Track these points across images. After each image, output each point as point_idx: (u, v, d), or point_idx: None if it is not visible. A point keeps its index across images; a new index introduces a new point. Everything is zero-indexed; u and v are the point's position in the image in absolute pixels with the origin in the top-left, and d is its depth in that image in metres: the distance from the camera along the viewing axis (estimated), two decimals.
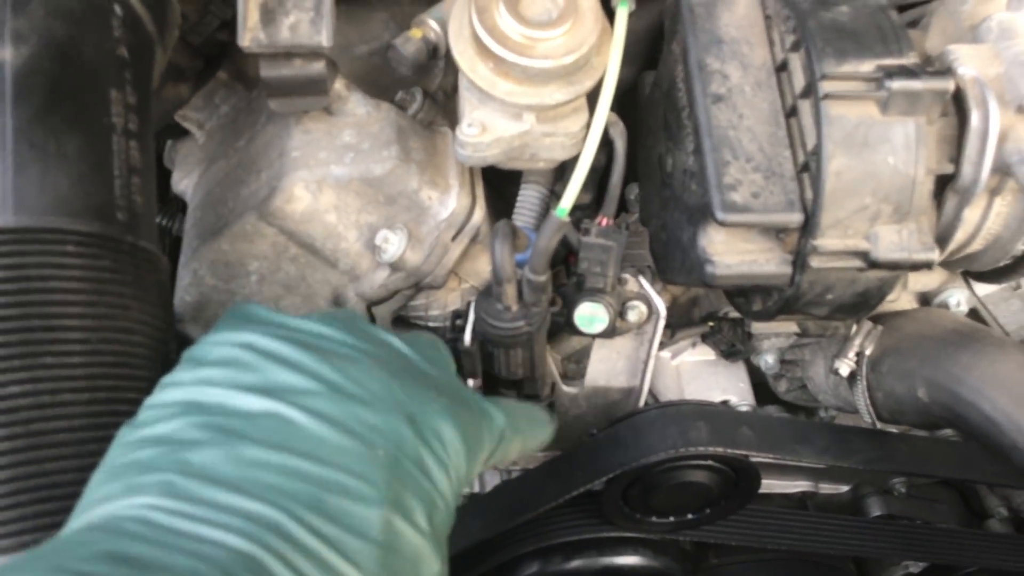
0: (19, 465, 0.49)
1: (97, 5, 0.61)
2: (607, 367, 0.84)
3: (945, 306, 0.85)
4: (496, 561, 0.93)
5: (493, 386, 0.81)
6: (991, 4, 0.71)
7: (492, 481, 0.96)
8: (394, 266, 0.76)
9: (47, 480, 0.50)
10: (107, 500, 0.42)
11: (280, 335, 0.50)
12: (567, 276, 0.80)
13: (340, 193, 0.74)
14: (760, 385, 0.98)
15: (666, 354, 0.95)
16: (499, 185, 0.89)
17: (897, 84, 0.62)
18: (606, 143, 0.74)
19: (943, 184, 0.68)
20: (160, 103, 0.84)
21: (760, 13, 0.72)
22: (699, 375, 0.94)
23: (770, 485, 1.02)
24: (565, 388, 0.85)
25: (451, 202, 0.77)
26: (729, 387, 0.93)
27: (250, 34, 0.67)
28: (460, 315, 0.78)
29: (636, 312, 0.77)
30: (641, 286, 0.78)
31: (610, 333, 0.77)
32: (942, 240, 0.70)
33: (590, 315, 0.75)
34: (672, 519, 0.89)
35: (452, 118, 0.83)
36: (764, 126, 0.68)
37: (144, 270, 0.59)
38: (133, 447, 0.45)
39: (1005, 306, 0.87)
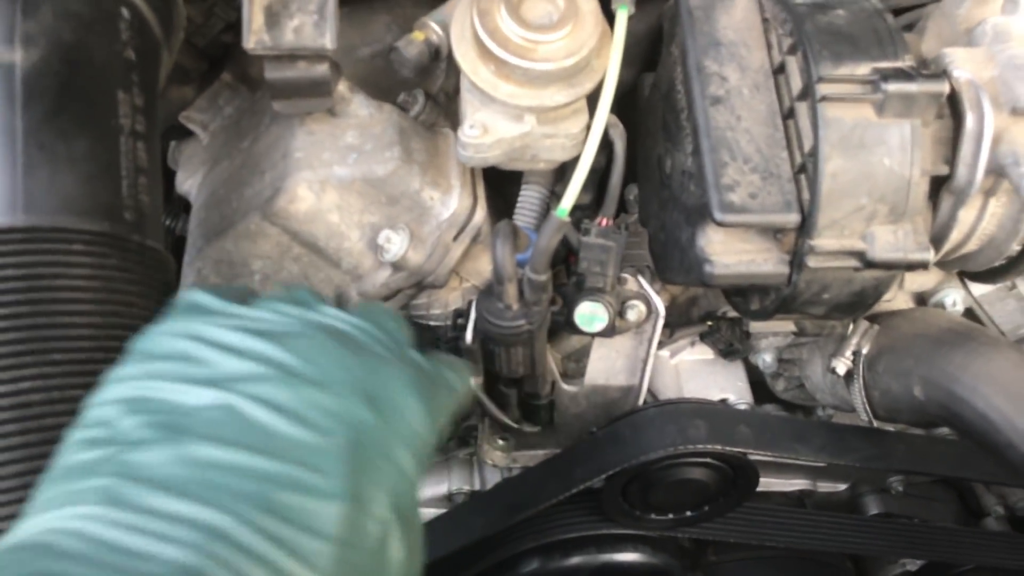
0: (32, 459, 0.50)
1: (105, 9, 0.62)
2: (607, 366, 0.84)
3: (941, 306, 0.86)
4: (497, 558, 0.94)
5: (494, 384, 0.82)
6: (986, 8, 0.72)
7: (493, 479, 0.96)
8: (396, 265, 0.77)
9: None
10: (46, 509, 0.39)
11: (231, 323, 0.47)
12: (567, 276, 0.81)
13: (343, 193, 0.75)
14: (758, 384, 0.99)
15: (665, 353, 0.95)
16: (500, 186, 0.90)
17: (893, 87, 0.63)
18: (606, 144, 0.75)
19: (938, 185, 0.69)
20: (165, 104, 0.85)
21: (758, 16, 0.73)
22: (698, 374, 0.95)
23: (768, 483, 1.03)
24: (565, 386, 0.86)
25: (453, 202, 0.78)
26: (727, 386, 0.94)
27: (255, 36, 0.68)
28: (462, 314, 0.79)
29: (635, 311, 0.78)
30: (640, 286, 0.79)
31: (610, 332, 0.78)
32: (937, 240, 0.71)
33: (590, 314, 0.76)
34: (671, 516, 0.90)
35: (453, 120, 0.84)
36: (762, 128, 0.69)
37: (151, 268, 0.60)
38: (76, 448, 0.42)
39: (1000, 306, 0.87)
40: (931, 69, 0.69)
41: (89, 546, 0.36)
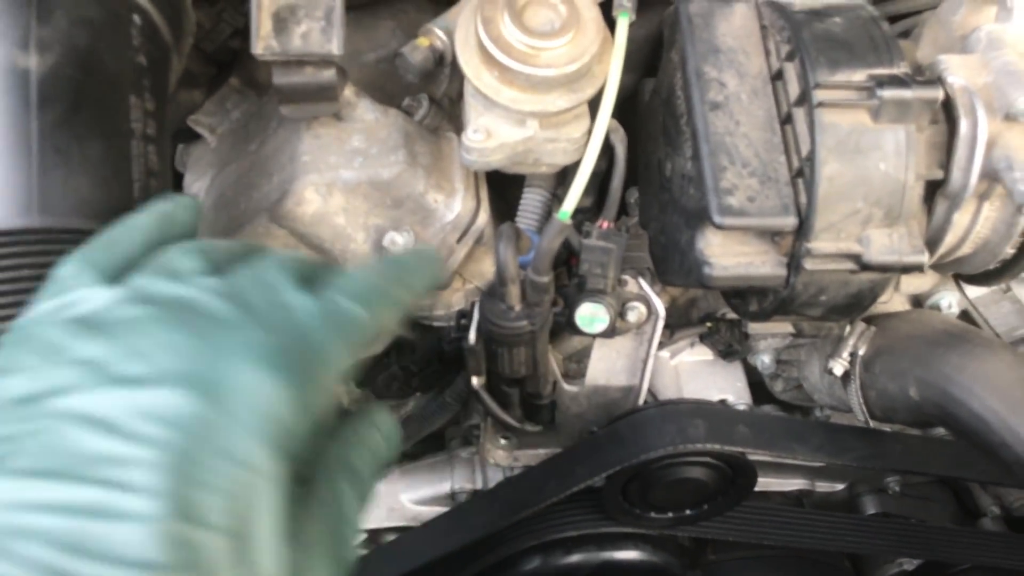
0: None
1: (117, 15, 0.63)
2: (607, 366, 0.86)
3: (937, 308, 0.87)
4: (498, 556, 0.95)
5: (496, 384, 0.83)
6: (980, 16, 0.73)
7: (495, 478, 0.98)
8: None
9: None
10: None
11: (61, 316, 0.40)
12: (568, 277, 0.82)
13: (349, 196, 0.76)
14: (757, 385, 1.00)
15: (665, 354, 0.97)
16: (503, 189, 0.91)
17: (888, 93, 0.64)
18: (607, 148, 0.76)
19: (933, 189, 0.70)
20: (174, 108, 0.86)
21: (756, 23, 0.74)
22: (697, 374, 0.96)
23: (767, 483, 1.04)
24: (566, 387, 0.87)
25: (456, 205, 0.79)
26: (726, 386, 0.95)
27: (263, 42, 0.69)
28: (465, 315, 0.80)
29: (636, 313, 0.79)
30: (641, 287, 0.80)
31: (610, 333, 0.79)
32: (932, 243, 0.73)
33: (591, 315, 0.77)
34: (671, 515, 0.91)
35: (457, 124, 0.85)
36: (760, 133, 0.70)
37: None
38: None
39: (995, 308, 0.89)
40: (926, 76, 0.70)
41: None
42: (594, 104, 0.73)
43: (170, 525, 0.34)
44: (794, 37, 0.69)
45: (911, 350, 0.79)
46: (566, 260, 0.85)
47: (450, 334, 0.85)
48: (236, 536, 0.36)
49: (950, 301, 0.87)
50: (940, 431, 0.97)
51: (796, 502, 1.08)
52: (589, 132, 0.74)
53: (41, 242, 0.55)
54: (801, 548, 1.01)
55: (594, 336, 0.80)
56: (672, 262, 0.79)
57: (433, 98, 0.86)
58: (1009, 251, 0.74)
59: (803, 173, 0.67)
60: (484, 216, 0.81)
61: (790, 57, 0.70)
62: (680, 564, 0.99)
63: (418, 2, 0.92)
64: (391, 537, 1.02)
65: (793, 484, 1.06)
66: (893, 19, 0.83)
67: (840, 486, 1.09)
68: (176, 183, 0.92)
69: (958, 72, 0.68)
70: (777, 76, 0.71)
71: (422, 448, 1.05)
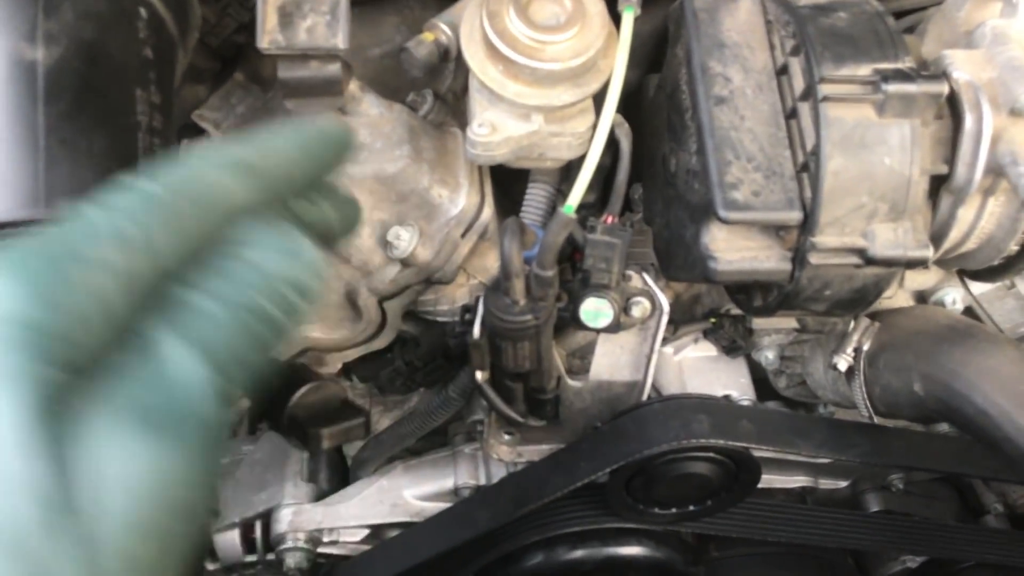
0: None
1: (123, 8, 0.63)
2: (611, 361, 0.86)
3: (941, 304, 0.87)
4: (502, 551, 0.95)
5: (500, 379, 0.83)
6: (985, 11, 0.73)
7: (499, 473, 0.98)
8: (405, 262, 0.79)
9: None
10: None
11: None
12: (573, 273, 0.82)
13: (354, 190, 0.76)
14: (761, 381, 1.00)
15: (669, 349, 0.97)
16: (507, 184, 0.91)
17: (893, 87, 0.64)
18: (612, 143, 0.76)
19: (938, 184, 0.70)
20: (178, 103, 0.86)
21: (761, 18, 0.74)
22: (701, 370, 0.96)
23: (770, 480, 1.04)
24: (570, 382, 0.87)
25: (461, 200, 0.79)
26: (730, 382, 0.95)
27: (268, 36, 0.69)
28: (469, 309, 0.80)
29: (640, 308, 0.79)
30: (645, 282, 0.80)
31: (614, 328, 0.79)
32: (937, 239, 0.73)
33: (595, 310, 0.77)
34: (674, 510, 0.91)
35: (462, 119, 0.86)
36: (765, 127, 0.70)
37: None
38: None
39: (1000, 304, 0.89)
40: (931, 70, 0.70)
41: None
42: (599, 99, 0.73)
43: None
44: (799, 32, 0.69)
45: (915, 345, 0.79)
46: (570, 255, 0.85)
47: (454, 329, 0.85)
48: None
49: (954, 297, 0.86)
50: (944, 427, 0.97)
51: (799, 499, 1.08)
52: (594, 127, 0.74)
53: None
54: (804, 545, 1.01)
55: (598, 331, 0.80)
56: (676, 257, 0.79)
57: (438, 93, 0.86)
58: (1013, 247, 0.74)
59: (808, 168, 0.67)
60: (488, 211, 0.81)
61: (795, 52, 0.70)
62: (683, 560, 0.99)
63: None
64: (394, 533, 1.02)
65: (796, 481, 1.06)
66: (898, 14, 0.84)
67: (843, 483, 1.09)
68: None
69: (963, 67, 0.68)
70: (782, 71, 0.71)
71: (426, 444, 1.05)
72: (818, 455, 0.86)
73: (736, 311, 0.91)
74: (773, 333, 0.92)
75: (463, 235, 0.80)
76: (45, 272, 0.32)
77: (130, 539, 0.30)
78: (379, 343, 0.88)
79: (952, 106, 0.68)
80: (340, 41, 0.70)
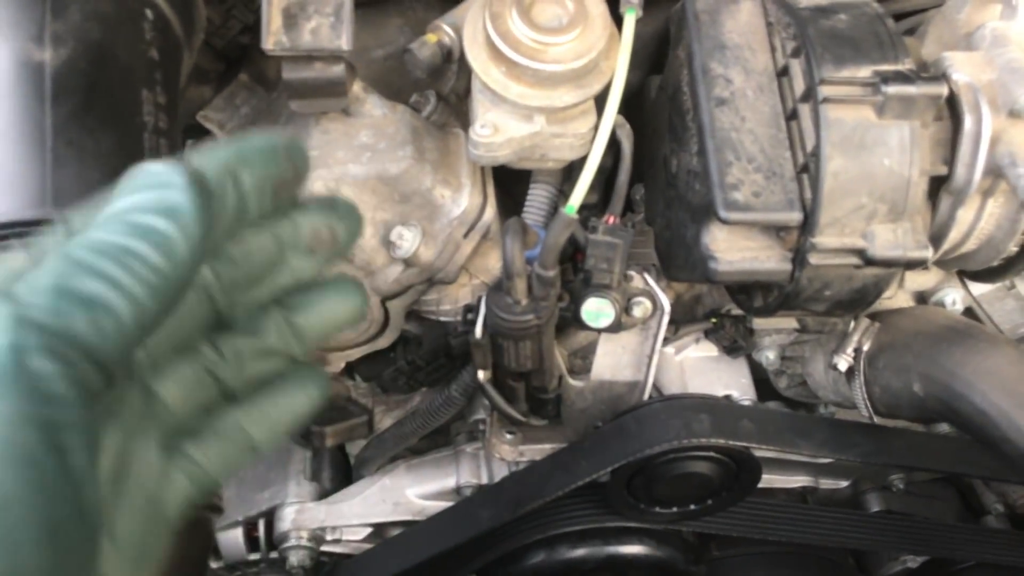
0: None
1: (130, 9, 0.64)
2: (612, 361, 0.86)
3: (941, 305, 0.87)
4: (503, 550, 0.95)
5: (502, 378, 0.84)
6: (985, 13, 0.74)
7: (500, 472, 0.98)
8: (408, 262, 0.79)
9: None
10: None
11: None
12: (574, 273, 0.83)
13: (357, 191, 0.77)
14: (762, 382, 1.01)
15: (670, 349, 0.97)
16: (509, 184, 0.92)
17: (893, 89, 0.64)
18: (613, 144, 0.77)
19: (938, 185, 0.71)
20: (184, 104, 0.87)
21: (762, 20, 0.75)
22: (702, 370, 0.96)
23: (771, 480, 1.04)
24: (572, 381, 0.88)
25: (463, 200, 0.80)
26: (731, 382, 0.95)
27: (273, 37, 0.70)
28: (471, 309, 0.81)
29: (641, 308, 0.80)
30: (646, 283, 0.81)
31: (616, 328, 0.79)
32: (936, 239, 0.73)
33: (596, 310, 0.78)
34: (675, 509, 0.91)
35: (464, 120, 0.86)
36: (765, 128, 0.71)
37: None
38: None
39: (999, 305, 0.89)
40: (931, 72, 0.71)
41: None
42: (601, 100, 0.74)
43: None
44: (800, 34, 0.69)
45: (915, 346, 0.79)
46: (572, 255, 0.85)
47: (456, 328, 0.86)
48: None
49: (954, 298, 0.87)
50: (944, 427, 0.97)
51: (801, 499, 1.08)
52: (595, 128, 0.75)
53: None
54: (805, 544, 1.01)
55: (599, 331, 0.81)
56: (677, 257, 0.79)
57: (441, 94, 0.87)
58: (1013, 248, 0.74)
59: (808, 168, 0.68)
60: (491, 211, 0.82)
61: (795, 53, 0.70)
62: (684, 559, 0.99)
63: None
64: (397, 531, 1.03)
65: (797, 481, 1.06)
66: (899, 16, 0.84)
67: (844, 483, 1.09)
68: None
69: (962, 69, 0.69)
70: (783, 72, 0.72)
71: (428, 443, 1.06)
72: (818, 455, 0.87)
73: (737, 311, 0.91)
74: (774, 333, 0.93)
75: (465, 235, 0.81)
76: None
77: None
78: (382, 342, 0.89)
79: (952, 108, 0.69)
80: (344, 43, 0.70)
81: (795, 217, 0.68)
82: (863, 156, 0.66)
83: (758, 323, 0.91)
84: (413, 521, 1.02)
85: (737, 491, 0.90)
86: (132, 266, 0.32)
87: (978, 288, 0.88)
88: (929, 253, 0.68)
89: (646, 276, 0.81)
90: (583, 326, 0.79)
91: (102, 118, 0.60)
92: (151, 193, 0.34)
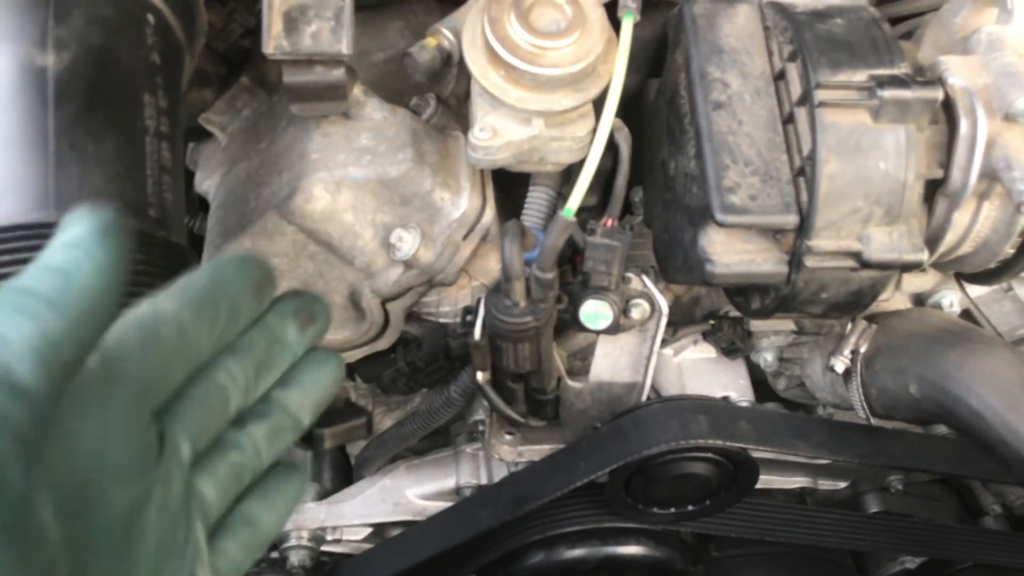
0: None
1: (132, 14, 0.64)
2: (611, 362, 0.87)
3: (938, 307, 0.88)
4: (503, 550, 0.96)
5: (501, 379, 0.84)
6: (981, 17, 0.74)
7: (500, 473, 0.99)
8: (408, 264, 0.80)
9: None
10: None
11: None
12: (573, 275, 0.83)
13: (357, 193, 0.77)
14: (760, 383, 1.01)
15: (668, 351, 0.97)
16: (508, 187, 0.92)
17: (888, 93, 0.65)
18: (611, 147, 0.77)
19: (934, 189, 0.71)
20: (185, 107, 0.87)
21: (759, 24, 0.75)
22: (700, 372, 0.97)
23: (770, 481, 1.05)
24: (571, 383, 0.88)
25: (463, 203, 0.80)
26: (729, 383, 0.96)
27: (274, 42, 0.70)
28: (471, 311, 0.81)
29: (639, 310, 0.80)
30: (644, 285, 0.81)
31: (614, 330, 0.80)
32: (932, 242, 0.74)
33: (595, 312, 0.78)
34: (673, 510, 0.92)
35: (464, 123, 0.87)
36: (762, 132, 0.71)
37: (174, 263, 0.62)
38: None
39: (997, 307, 0.89)
40: (927, 76, 0.71)
41: None
42: (599, 103, 0.74)
43: None
44: (796, 38, 0.70)
45: (911, 348, 0.79)
46: (571, 258, 0.86)
47: (456, 330, 0.87)
48: None
49: (952, 300, 0.87)
50: (942, 428, 0.98)
51: (799, 500, 1.09)
52: (594, 131, 0.75)
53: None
54: (804, 545, 1.02)
55: (598, 333, 0.81)
56: (675, 260, 0.80)
57: (440, 97, 0.87)
58: (1009, 250, 0.75)
59: (804, 172, 0.68)
60: (490, 214, 0.82)
61: (792, 58, 0.71)
62: (683, 560, 1.00)
63: (427, 3, 0.93)
64: (397, 531, 1.03)
65: (796, 482, 1.06)
66: (896, 21, 0.85)
67: (843, 484, 1.10)
68: (188, 181, 0.93)
69: (958, 73, 0.69)
70: (780, 76, 0.72)
71: (428, 443, 1.06)
72: (816, 456, 0.87)
73: (735, 313, 0.92)
74: (772, 335, 0.93)
75: (465, 237, 0.81)
76: None
77: None
78: (382, 344, 0.89)
79: (947, 111, 0.69)
80: (344, 46, 0.71)
81: (791, 220, 0.69)
82: (859, 159, 0.66)
83: (756, 325, 0.92)
84: (413, 521, 1.02)
85: (735, 492, 0.90)
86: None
87: (975, 290, 0.88)
88: (924, 256, 0.68)
89: (644, 278, 0.82)
90: (582, 328, 0.80)
91: (104, 122, 0.60)
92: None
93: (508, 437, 0.94)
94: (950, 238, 0.74)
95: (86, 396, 0.36)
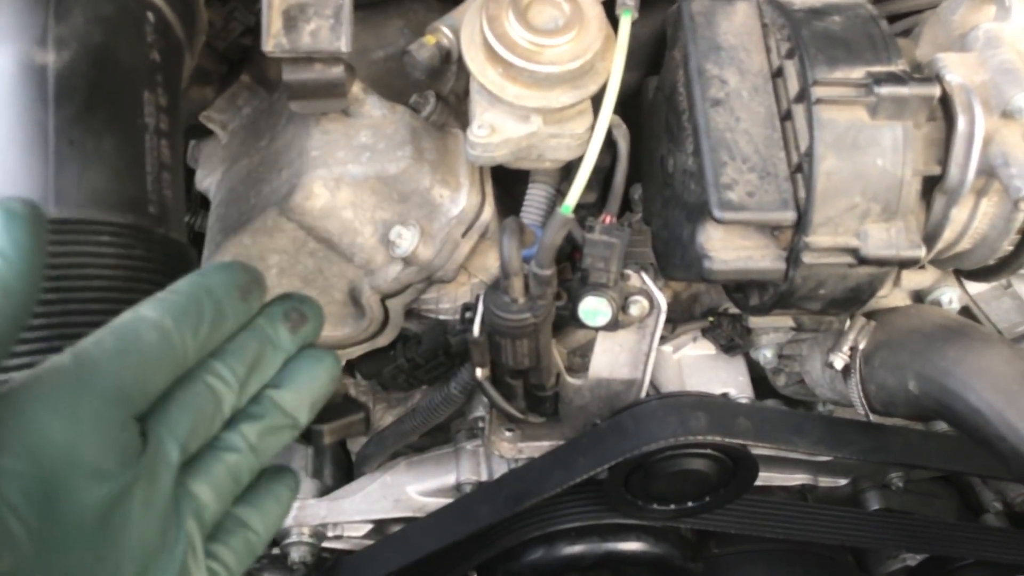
0: None
1: (132, 12, 0.65)
2: (610, 359, 0.87)
3: (938, 304, 0.88)
4: (503, 546, 0.96)
5: (500, 376, 0.85)
6: (979, 14, 0.74)
7: (500, 469, 0.99)
8: (407, 260, 0.80)
9: None
10: None
11: None
12: (572, 271, 0.84)
13: (357, 191, 0.78)
14: (760, 380, 1.01)
15: (668, 348, 0.98)
16: (507, 184, 0.93)
17: (885, 90, 0.65)
18: (610, 144, 0.78)
19: (931, 185, 0.71)
20: (186, 105, 0.87)
21: (757, 22, 0.75)
22: (700, 369, 0.97)
23: (770, 478, 1.05)
24: (570, 379, 0.89)
25: (462, 200, 0.81)
26: (729, 380, 0.96)
27: (273, 40, 0.71)
28: (469, 307, 0.82)
29: (638, 306, 0.81)
30: (643, 282, 0.81)
31: (613, 326, 0.80)
32: (931, 239, 0.74)
33: (593, 309, 0.78)
34: (672, 506, 0.92)
35: (463, 120, 0.87)
36: (760, 129, 0.71)
37: (174, 259, 0.62)
38: None
39: (996, 304, 0.89)
40: (924, 73, 0.71)
41: None
42: (597, 100, 0.75)
43: None
44: (794, 35, 0.70)
45: (910, 344, 0.80)
46: (569, 254, 0.86)
47: (455, 327, 0.87)
48: None
49: (951, 297, 0.87)
50: (942, 425, 0.98)
51: (800, 496, 1.09)
52: (592, 128, 0.75)
53: (56, 232, 0.56)
54: (804, 542, 1.02)
55: (597, 329, 0.81)
56: (674, 256, 0.80)
57: (440, 95, 0.87)
58: (1007, 247, 0.75)
59: (802, 168, 0.69)
60: (489, 211, 0.82)
61: (790, 55, 0.71)
62: (682, 556, 1.00)
63: (426, 1, 0.93)
64: (397, 528, 1.03)
65: (796, 479, 1.07)
66: (894, 18, 0.84)
67: (843, 481, 1.10)
68: (188, 178, 0.94)
69: (956, 70, 0.69)
70: (777, 73, 0.73)
71: (428, 440, 1.07)
72: (815, 452, 0.87)
73: (734, 310, 0.92)
74: (771, 332, 0.93)
75: (464, 234, 0.82)
76: None
77: None
78: (382, 340, 0.90)
79: (945, 108, 0.69)
80: (343, 44, 0.71)
81: (789, 216, 0.69)
82: (856, 156, 0.66)
83: (755, 322, 0.92)
84: (414, 518, 1.02)
85: (734, 488, 0.90)
86: None
87: (975, 287, 0.88)
88: (922, 252, 0.68)
89: (643, 275, 0.82)
90: (581, 324, 0.80)
91: (104, 119, 0.60)
92: None
93: (508, 434, 0.95)
94: (948, 235, 0.74)
95: (56, 392, 0.38)
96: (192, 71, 0.79)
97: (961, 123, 0.68)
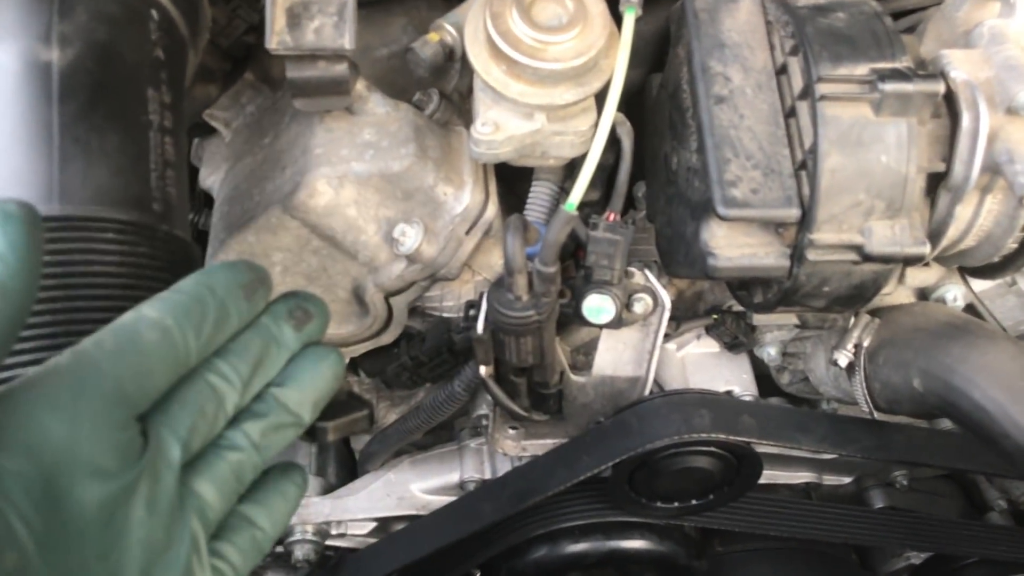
0: None
1: (136, 10, 0.65)
2: (614, 357, 0.87)
3: (942, 301, 0.87)
4: (506, 544, 0.96)
5: (504, 373, 0.85)
6: (984, 11, 0.74)
7: (504, 467, 0.99)
8: (411, 258, 0.80)
9: None
10: None
11: None
12: (576, 269, 0.83)
13: (360, 188, 0.78)
14: (765, 378, 1.01)
15: (672, 346, 0.98)
16: (511, 182, 0.93)
17: (889, 86, 0.65)
18: (614, 142, 0.78)
19: (936, 182, 0.71)
20: (190, 103, 0.88)
21: (761, 19, 0.75)
22: (704, 366, 0.97)
23: (774, 476, 1.05)
24: (574, 377, 0.89)
25: (465, 197, 0.81)
26: (733, 378, 0.96)
27: (277, 37, 0.71)
28: (473, 305, 0.82)
29: (642, 304, 0.81)
30: (647, 279, 0.81)
31: (616, 324, 0.80)
32: (935, 236, 0.73)
33: (597, 306, 0.78)
34: (676, 504, 0.92)
35: (467, 118, 0.87)
36: (764, 126, 0.71)
37: (178, 256, 0.62)
38: None
39: (1001, 302, 0.89)
40: (928, 70, 0.71)
41: None
42: (601, 98, 0.75)
43: None
44: (798, 32, 0.70)
45: (914, 341, 0.79)
46: (573, 252, 0.86)
47: (459, 324, 0.87)
48: None
49: (955, 294, 0.87)
50: (946, 423, 0.98)
51: (804, 495, 1.09)
52: (596, 125, 0.75)
53: (60, 229, 0.56)
54: (809, 540, 1.02)
55: (601, 327, 0.81)
56: (678, 254, 0.80)
57: (443, 92, 0.87)
58: (1012, 244, 0.74)
59: (806, 165, 0.68)
60: (493, 208, 0.82)
61: (794, 52, 0.71)
62: (686, 554, 1.00)
63: None
64: (401, 526, 1.03)
65: (800, 477, 1.06)
66: (898, 15, 0.84)
67: (847, 479, 1.10)
68: (192, 176, 0.94)
69: (960, 66, 0.69)
70: (781, 70, 0.72)
71: (432, 438, 1.07)
72: (819, 450, 0.87)
73: (738, 308, 0.92)
74: (775, 329, 0.93)
75: (468, 232, 0.82)
76: None
77: None
78: (386, 338, 0.90)
79: (950, 105, 0.69)
80: (347, 42, 0.71)
81: (793, 213, 0.69)
82: (860, 153, 0.66)
83: (759, 319, 0.92)
84: (417, 516, 1.03)
85: (738, 486, 0.90)
86: None
87: (979, 284, 0.88)
88: (926, 249, 0.68)
89: (647, 272, 0.82)
90: (584, 322, 0.80)
91: (108, 117, 0.61)
92: None
93: (512, 432, 0.95)
94: (952, 232, 0.74)
95: (56, 392, 0.38)
96: (196, 69, 0.79)
97: (965, 120, 0.68)
